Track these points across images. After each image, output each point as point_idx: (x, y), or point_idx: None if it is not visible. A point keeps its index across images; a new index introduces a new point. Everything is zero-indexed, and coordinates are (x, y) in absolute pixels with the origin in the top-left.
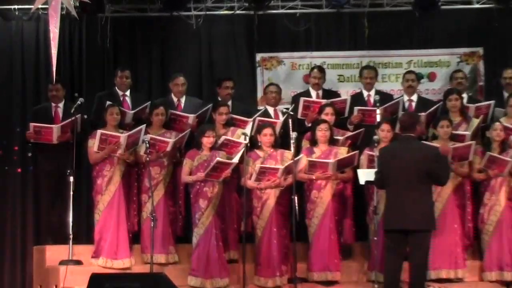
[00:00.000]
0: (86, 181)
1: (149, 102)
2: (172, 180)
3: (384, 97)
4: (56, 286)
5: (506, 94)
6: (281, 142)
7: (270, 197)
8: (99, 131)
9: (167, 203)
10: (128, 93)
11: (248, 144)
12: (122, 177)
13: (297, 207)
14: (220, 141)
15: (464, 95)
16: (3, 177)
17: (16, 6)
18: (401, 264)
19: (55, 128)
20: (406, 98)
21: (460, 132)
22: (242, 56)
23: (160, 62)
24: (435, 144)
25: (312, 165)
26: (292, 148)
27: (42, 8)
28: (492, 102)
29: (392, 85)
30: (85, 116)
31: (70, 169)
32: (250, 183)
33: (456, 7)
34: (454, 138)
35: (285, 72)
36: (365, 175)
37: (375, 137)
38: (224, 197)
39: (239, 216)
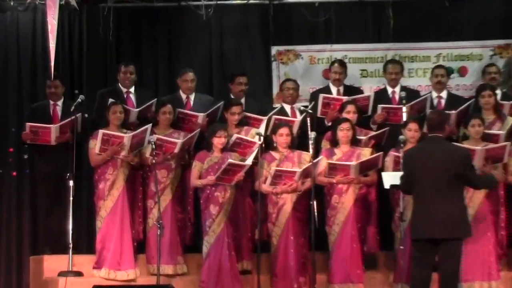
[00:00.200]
0: (87, 186)
1: (155, 99)
2: (180, 184)
3: (411, 93)
4: None
5: None
6: (299, 142)
7: (287, 202)
8: (101, 131)
9: (175, 209)
10: (132, 90)
11: (263, 145)
12: (126, 181)
13: (316, 213)
14: (232, 140)
15: (498, 91)
16: None
17: None
18: (430, 275)
19: (54, 128)
20: (434, 94)
21: (493, 131)
22: (256, 50)
23: (167, 56)
24: (466, 145)
25: (333, 168)
26: (310, 149)
27: None
28: None
29: (420, 81)
30: (86, 115)
31: (70, 173)
32: (265, 187)
33: None
34: (487, 138)
35: (303, 66)
36: (390, 178)
37: (401, 137)
38: (236, 202)
39: (253, 223)
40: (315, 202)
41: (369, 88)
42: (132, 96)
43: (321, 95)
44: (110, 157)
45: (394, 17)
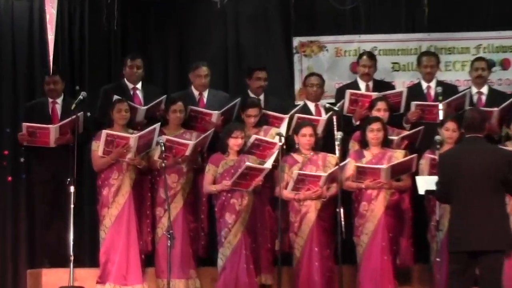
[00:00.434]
0: (90, 192)
1: (165, 96)
2: (193, 190)
3: (448, 89)
4: None
5: None
6: (323, 144)
7: (311, 210)
8: (104, 132)
9: (186, 218)
10: (139, 85)
11: (284, 147)
12: (133, 186)
13: (343, 222)
14: (249, 141)
15: None
16: None
17: None
18: None
19: (53, 129)
20: (474, 90)
21: None
22: (277, 41)
23: (178, 48)
24: (510, 146)
25: (361, 172)
26: (337, 151)
27: None
28: None
29: (458, 75)
30: (88, 114)
31: (71, 177)
32: (287, 193)
33: None
34: None
35: (328, 59)
36: (426, 183)
37: (437, 137)
38: (255, 210)
39: (273, 233)
40: (342, 210)
41: (401, 83)
42: (139, 93)
43: (348, 91)
44: (115, 160)
45: (429, 4)
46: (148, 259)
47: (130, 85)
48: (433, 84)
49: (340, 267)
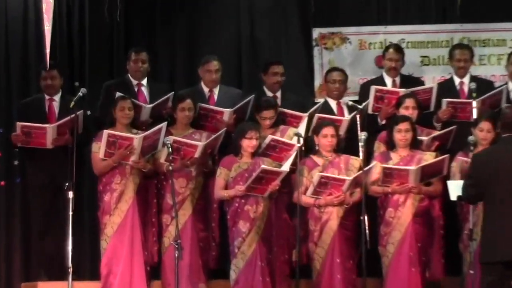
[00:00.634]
0: (90, 198)
1: (172, 93)
2: (203, 196)
3: (482, 85)
4: None
5: None
6: (346, 145)
7: (332, 217)
8: (106, 132)
9: (196, 227)
10: (144, 82)
11: (303, 148)
12: (137, 192)
13: (367, 231)
14: (265, 143)
15: None
16: None
17: None
18: None
19: (50, 129)
20: (511, 86)
21: None
22: (295, 33)
23: (186, 41)
24: None
25: (388, 174)
26: (360, 154)
27: None
28: None
29: (493, 69)
30: (88, 113)
31: (69, 182)
32: (306, 198)
33: None
34: None
35: (351, 53)
36: (458, 188)
37: (471, 138)
38: (271, 218)
39: (291, 243)
40: (366, 217)
41: (431, 79)
42: (144, 89)
43: (373, 87)
44: (117, 163)
45: None
46: (154, 272)
47: (134, 81)
48: (466, 79)
49: (364, 280)
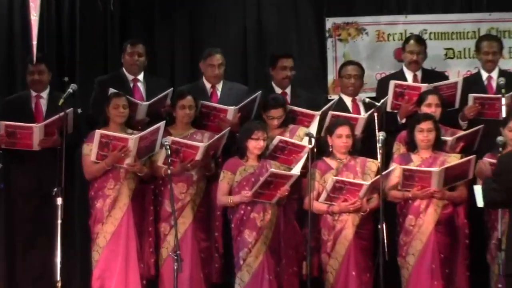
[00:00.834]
0: (81, 205)
1: (171, 89)
2: (205, 202)
3: None
4: None
5: None
6: (362, 146)
7: (347, 226)
8: (98, 132)
9: (197, 236)
10: (141, 77)
11: (315, 150)
12: (132, 198)
13: (385, 241)
14: (273, 144)
15: None
16: None
17: None
18: None
19: (36, 128)
20: None
21: None
22: (306, 23)
23: (187, 32)
24: None
25: (409, 177)
26: (378, 156)
27: None
28: None
29: None
30: (79, 111)
31: (58, 188)
32: (318, 205)
33: None
34: None
35: (368, 45)
36: None
37: (500, 138)
38: (279, 226)
39: (301, 254)
40: (384, 226)
41: (456, 73)
42: (141, 85)
43: (393, 82)
44: (111, 166)
45: None
46: (151, 286)
47: (130, 76)
48: (494, 74)
49: None
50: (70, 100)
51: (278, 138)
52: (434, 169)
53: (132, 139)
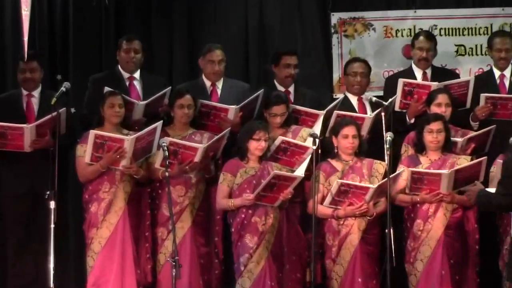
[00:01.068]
0: (75, 208)
1: (169, 88)
2: (204, 206)
3: None
4: None
5: None
6: (369, 147)
7: (353, 231)
8: (92, 133)
9: (196, 241)
10: (137, 75)
11: (319, 151)
12: (128, 202)
13: (393, 246)
14: (275, 145)
15: None
16: None
17: None
18: None
19: (28, 129)
20: None
21: None
22: (310, 18)
23: (185, 27)
24: None
25: (417, 180)
26: (386, 157)
27: None
28: None
29: None
30: (73, 110)
31: (51, 191)
32: (323, 209)
33: None
34: None
35: (375, 41)
36: None
37: None
38: (281, 231)
39: (304, 259)
40: (391, 231)
41: (467, 71)
42: (137, 84)
43: (401, 80)
44: (106, 168)
45: None
46: None
47: (126, 74)
48: (507, 72)
49: None
50: (63, 99)
51: (280, 138)
52: (444, 171)
53: (128, 140)
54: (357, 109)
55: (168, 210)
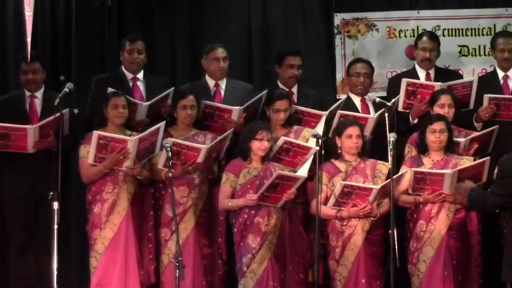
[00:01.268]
0: (78, 209)
1: (172, 88)
2: (207, 206)
3: None
4: None
5: None
6: (372, 148)
7: (356, 232)
8: (96, 133)
9: (199, 242)
10: (140, 75)
11: (322, 151)
12: (132, 202)
13: (396, 247)
14: (277, 145)
15: None
16: None
17: None
18: None
19: (31, 130)
20: None
21: None
22: (313, 19)
23: (188, 28)
24: None
25: (420, 180)
26: (389, 158)
27: None
28: None
29: None
30: (76, 111)
31: (54, 192)
32: (326, 210)
33: None
34: None
35: (378, 41)
36: None
37: None
38: (284, 232)
39: (306, 260)
40: (395, 232)
41: (471, 71)
42: (140, 84)
43: (404, 81)
44: (109, 169)
45: None
46: None
47: (129, 75)
48: (511, 73)
49: None
50: (66, 100)
51: (282, 139)
52: (447, 171)
53: (131, 140)
54: (360, 110)
55: (171, 210)
